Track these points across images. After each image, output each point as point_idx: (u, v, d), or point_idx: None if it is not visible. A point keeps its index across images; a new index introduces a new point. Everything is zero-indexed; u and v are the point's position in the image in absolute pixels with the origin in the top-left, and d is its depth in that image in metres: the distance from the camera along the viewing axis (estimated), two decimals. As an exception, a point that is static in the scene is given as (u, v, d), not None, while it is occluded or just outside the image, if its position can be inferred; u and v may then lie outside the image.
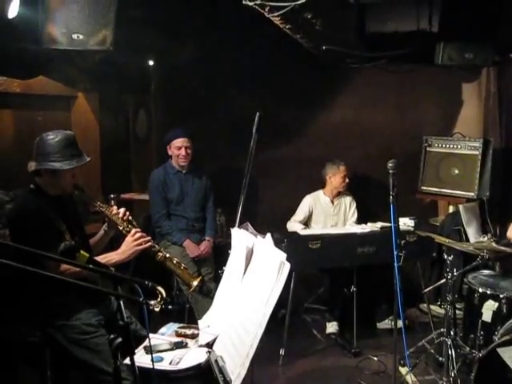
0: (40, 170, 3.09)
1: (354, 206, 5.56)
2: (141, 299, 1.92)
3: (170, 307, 5.38)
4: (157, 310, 1.89)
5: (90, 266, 2.10)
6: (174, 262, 3.46)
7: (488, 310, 3.78)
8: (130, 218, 3.30)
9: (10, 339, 3.19)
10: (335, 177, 5.38)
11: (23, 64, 4.44)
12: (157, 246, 3.39)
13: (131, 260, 3.27)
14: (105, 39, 3.91)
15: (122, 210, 3.28)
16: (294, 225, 5.35)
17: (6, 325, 3.19)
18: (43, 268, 2.59)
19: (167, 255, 3.41)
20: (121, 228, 3.24)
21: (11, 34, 3.83)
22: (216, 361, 2.45)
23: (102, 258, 3.08)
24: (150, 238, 3.28)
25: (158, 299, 2.06)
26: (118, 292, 1.97)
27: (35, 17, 3.71)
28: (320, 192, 5.53)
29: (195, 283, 3.62)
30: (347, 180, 5.42)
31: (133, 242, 3.16)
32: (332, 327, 5.08)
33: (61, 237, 3.03)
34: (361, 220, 5.44)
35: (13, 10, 3.59)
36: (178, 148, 4.88)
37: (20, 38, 3.94)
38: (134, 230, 3.21)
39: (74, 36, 3.82)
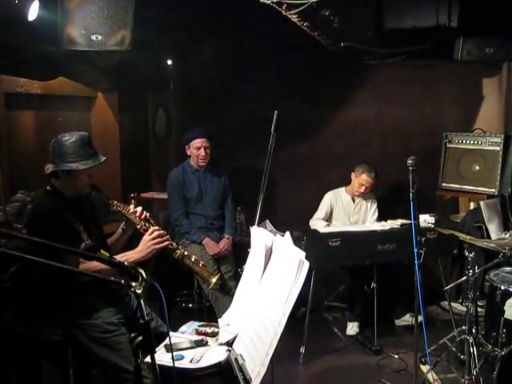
0: (57, 171, 3.11)
1: (374, 205, 5.51)
2: (122, 281, 1.91)
3: (190, 305, 5.43)
4: (139, 291, 1.87)
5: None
6: (193, 259, 3.47)
7: (510, 307, 3.73)
8: (148, 216, 3.31)
9: (34, 338, 3.22)
10: (355, 179, 5.33)
11: (43, 65, 4.49)
12: (174, 243, 3.40)
13: (151, 258, 3.28)
14: (123, 39, 3.93)
15: (139, 209, 3.29)
16: (317, 222, 5.31)
17: (29, 323, 3.23)
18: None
19: (185, 253, 3.42)
20: (138, 226, 3.25)
21: (31, 36, 3.88)
22: (236, 359, 2.46)
23: (120, 257, 3.08)
24: (167, 236, 3.27)
25: (139, 281, 2.06)
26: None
27: (54, 19, 3.75)
28: (342, 189, 5.48)
29: (214, 280, 3.62)
30: (364, 190, 5.29)
31: (150, 241, 3.16)
32: (352, 329, 5.04)
33: (78, 237, 3.06)
34: (381, 217, 5.40)
35: (33, 13, 3.63)
36: (198, 148, 4.90)
37: (40, 40, 3.99)
38: (151, 229, 3.21)
39: (93, 37, 3.85)
